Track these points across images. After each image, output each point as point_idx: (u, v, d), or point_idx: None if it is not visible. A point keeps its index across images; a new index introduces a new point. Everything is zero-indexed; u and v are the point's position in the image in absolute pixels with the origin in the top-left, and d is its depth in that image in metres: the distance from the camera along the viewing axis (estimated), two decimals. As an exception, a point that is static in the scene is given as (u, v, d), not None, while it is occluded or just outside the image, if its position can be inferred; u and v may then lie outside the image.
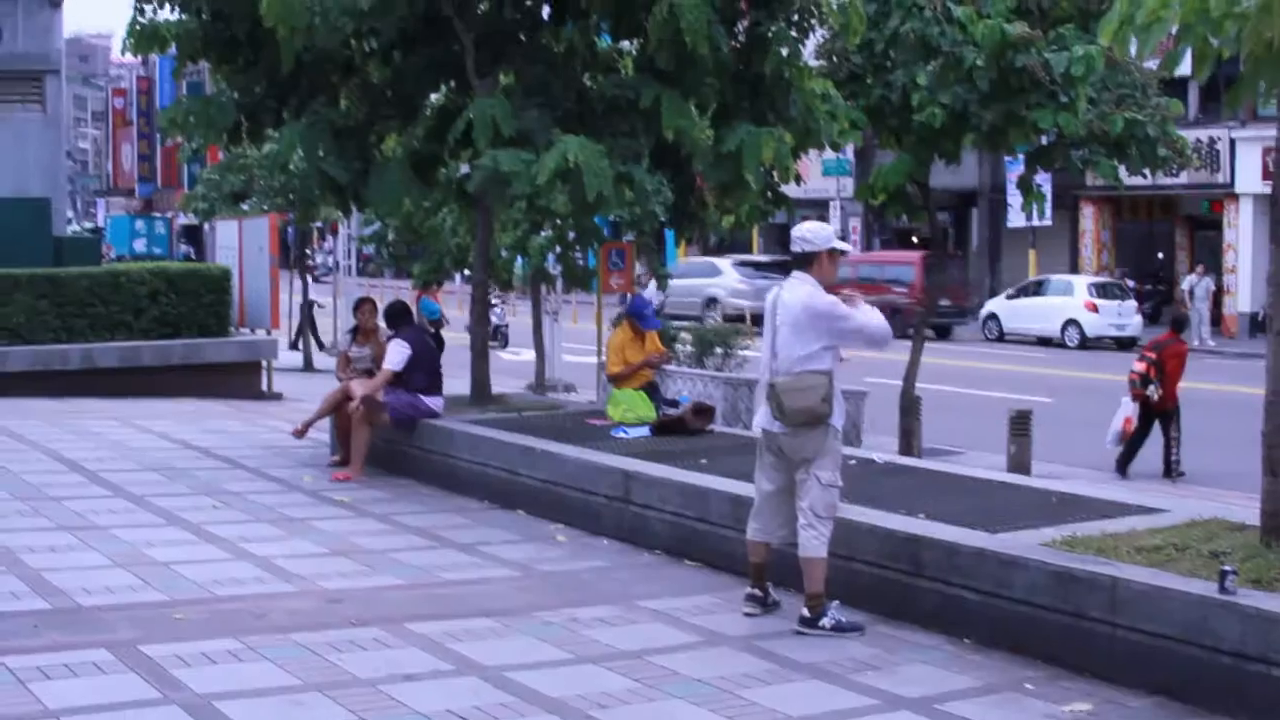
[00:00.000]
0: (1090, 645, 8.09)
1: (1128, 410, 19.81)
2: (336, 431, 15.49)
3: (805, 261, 9.17)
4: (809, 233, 9.26)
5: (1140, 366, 19.72)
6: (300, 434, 15.58)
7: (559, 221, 20.57)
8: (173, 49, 15.78)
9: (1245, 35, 8.30)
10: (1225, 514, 9.81)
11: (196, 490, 13.60)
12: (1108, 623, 7.98)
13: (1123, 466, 19.54)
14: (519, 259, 23.23)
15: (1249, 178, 42.07)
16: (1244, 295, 42.64)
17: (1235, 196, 43.98)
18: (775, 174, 15.68)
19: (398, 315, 15.14)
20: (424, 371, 14.72)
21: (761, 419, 9.25)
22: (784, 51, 15.06)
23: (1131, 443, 19.70)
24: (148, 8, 15.50)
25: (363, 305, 16.23)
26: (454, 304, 34.85)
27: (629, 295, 18.87)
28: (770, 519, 9.31)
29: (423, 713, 7.25)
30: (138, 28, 15.45)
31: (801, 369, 8.98)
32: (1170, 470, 19.44)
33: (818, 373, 8.98)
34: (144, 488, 13.58)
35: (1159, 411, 19.55)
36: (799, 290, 9.09)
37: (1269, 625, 7.21)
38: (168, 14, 15.60)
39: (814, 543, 8.96)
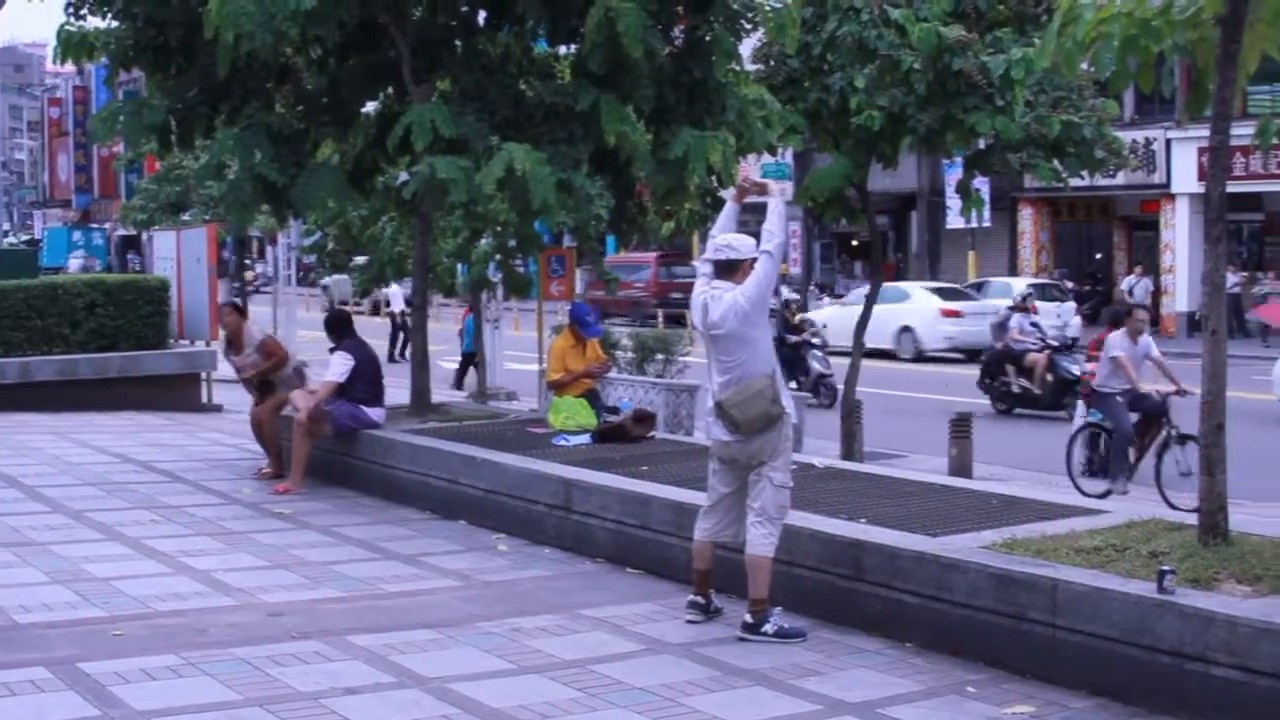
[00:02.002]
0: (1031, 647, 8.12)
1: (1084, 414, 19.80)
2: (261, 441, 15.56)
3: (729, 269, 9.20)
4: (736, 241, 9.29)
5: (1093, 367, 19.73)
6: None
7: (498, 229, 20.56)
8: (104, 57, 15.68)
9: (1195, 45, 8.42)
10: (1164, 514, 9.88)
11: (136, 504, 13.51)
12: (1048, 624, 8.02)
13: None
14: (460, 266, 23.20)
15: (1185, 178, 42.41)
16: (1182, 295, 42.95)
17: (1172, 196, 44.30)
18: (716, 178, 15.68)
19: (340, 326, 15.09)
20: (366, 382, 14.67)
21: (714, 430, 9.24)
22: (726, 55, 15.09)
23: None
24: (78, 15, 15.40)
25: (223, 310, 16.30)
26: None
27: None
28: (721, 518, 9.31)
29: (364, 726, 7.23)
30: (66, 35, 15.36)
31: (743, 374, 8.99)
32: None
33: (759, 376, 9.00)
34: (83, 503, 13.48)
35: None
36: (727, 295, 9.10)
37: (1206, 624, 7.26)
38: (100, 21, 15.53)
39: (763, 542, 8.97)
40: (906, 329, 37.07)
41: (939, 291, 39.12)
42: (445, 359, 30.66)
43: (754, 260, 9.17)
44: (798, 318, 28.09)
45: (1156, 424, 17.39)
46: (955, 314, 37.21)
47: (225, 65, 14.26)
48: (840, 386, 25.14)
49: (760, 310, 9.11)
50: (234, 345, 15.65)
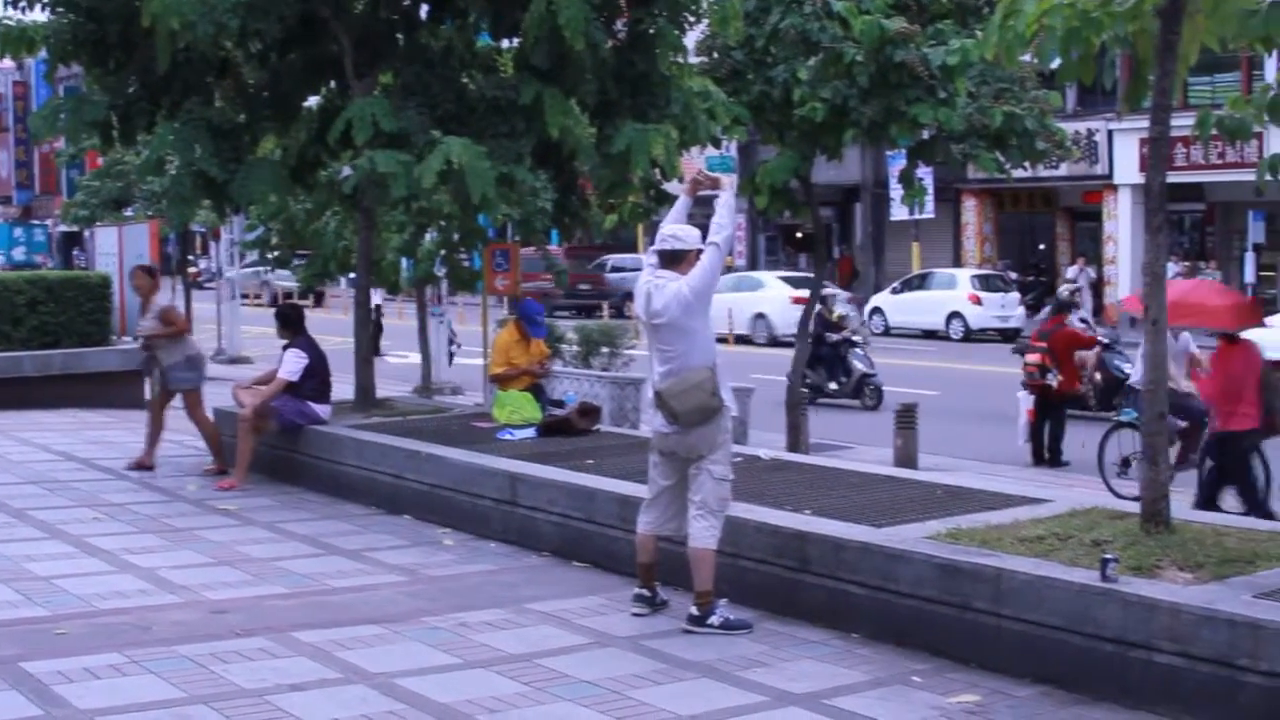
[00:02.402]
0: (976, 636, 8.15)
1: (1027, 404, 19.82)
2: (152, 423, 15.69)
3: (675, 260, 9.22)
4: (681, 232, 9.32)
5: (1035, 358, 19.79)
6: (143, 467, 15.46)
7: (443, 223, 20.51)
8: (43, 51, 15.53)
9: (1136, 37, 8.49)
10: (1107, 502, 9.94)
11: (79, 502, 13.42)
12: (993, 614, 8.05)
13: (1039, 459, 19.51)
14: (404, 261, 23.15)
15: (1127, 169, 42.59)
16: (1124, 285, 43.13)
17: (1114, 187, 44.53)
18: (660, 171, 15.69)
19: (294, 321, 14.99)
20: (316, 379, 14.62)
21: (653, 422, 9.25)
22: (670, 48, 15.10)
23: (1035, 432, 19.71)
24: (16, 7, 15.25)
25: (135, 273, 16.20)
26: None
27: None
28: (663, 511, 9.31)
29: (310, 722, 7.20)
30: (5, 29, 15.21)
31: (683, 365, 8.99)
32: (1056, 458, 19.52)
33: (699, 367, 9.00)
34: (25, 501, 13.38)
35: (1059, 397, 19.66)
36: (671, 285, 9.12)
37: (1149, 612, 7.30)
38: (38, 14, 15.37)
39: (706, 534, 8.98)
40: (761, 315, 39.69)
41: (790, 280, 41.14)
42: (392, 354, 30.66)
43: (700, 251, 9.19)
44: (837, 314, 26.24)
45: (1197, 430, 15.53)
46: (804, 301, 38.39)
47: (165, 59, 14.14)
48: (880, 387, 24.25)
49: (704, 301, 9.10)
50: (144, 309, 15.66)
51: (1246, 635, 6.94)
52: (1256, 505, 13.84)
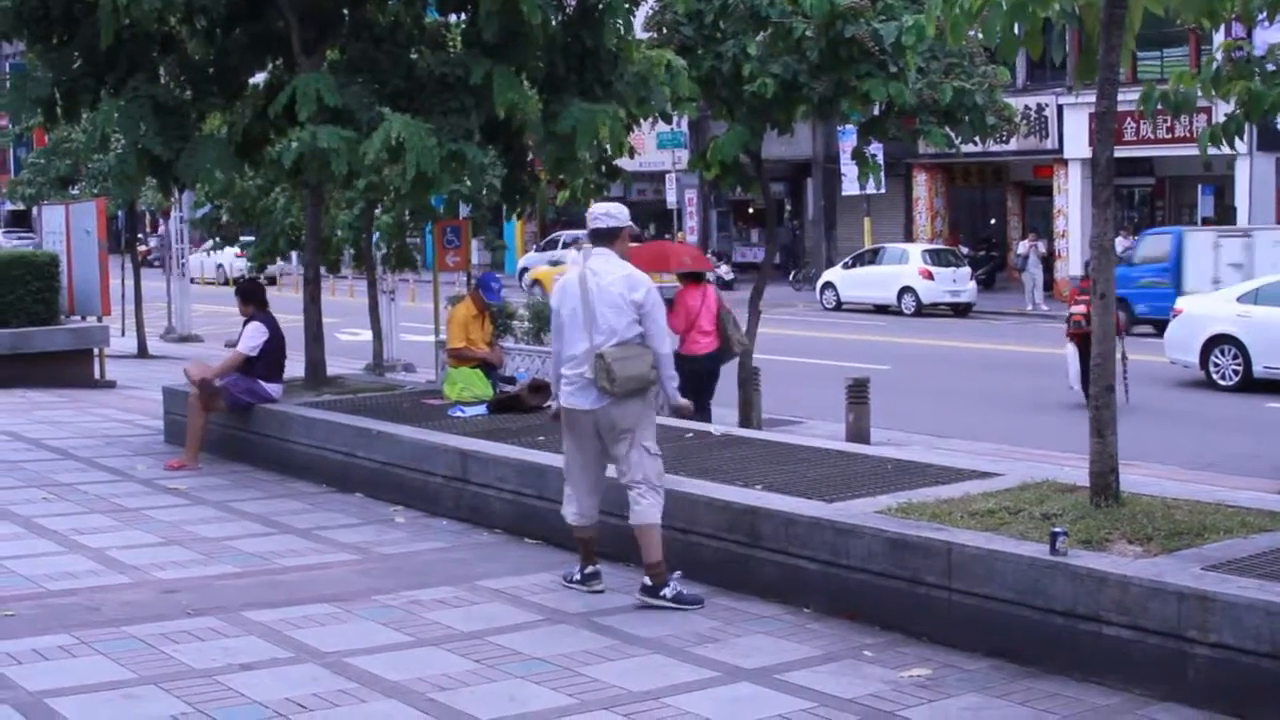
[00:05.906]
0: (927, 610, 8.16)
1: (1074, 354, 21.22)
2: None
3: (609, 237, 9.27)
4: (614, 209, 9.38)
5: (1081, 309, 20.50)
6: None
7: (388, 201, 20.45)
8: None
9: (1083, 10, 8.51)
10: (1057, 476, 9.97)
11: (27, 482, 13.33)
12: (944, 587, 8.07)
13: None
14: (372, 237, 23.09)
15: (1077, 143, 42.76)
16: (1075, 259, 43.35)
17: (1064, 162, 44.74)
18: (609, 148, 15.66)
19: (257, 296, 14.89)
20: (271, 358, 14.54)
21: (575, 400, 9.17)
22: (619, 25, 15.04)
23: (1088, 379, 20.52)
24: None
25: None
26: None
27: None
28: (586, 500, 9.31)
29: (261, 702, 7.15)
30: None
31: (626, 338, 8.99)
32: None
33: (643, 343, 9.02)
34: (-29, 482, 13.30)
35: None
36: (613, 267, 9.12)
37: (1099, 584, 7.32)
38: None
39: (652, 511, 8.98)
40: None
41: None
42: (343, 331, 30.57)
43: (628, 227, 9.33)
44: None
45: None
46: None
47: (109, 34, 13.99)
48: None
49: (639, 297, 9.10)
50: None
51: (1195, 607, 6.97)
52: (700, 411, 15.74)
